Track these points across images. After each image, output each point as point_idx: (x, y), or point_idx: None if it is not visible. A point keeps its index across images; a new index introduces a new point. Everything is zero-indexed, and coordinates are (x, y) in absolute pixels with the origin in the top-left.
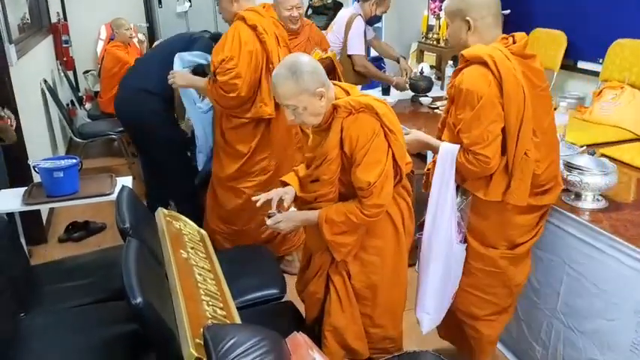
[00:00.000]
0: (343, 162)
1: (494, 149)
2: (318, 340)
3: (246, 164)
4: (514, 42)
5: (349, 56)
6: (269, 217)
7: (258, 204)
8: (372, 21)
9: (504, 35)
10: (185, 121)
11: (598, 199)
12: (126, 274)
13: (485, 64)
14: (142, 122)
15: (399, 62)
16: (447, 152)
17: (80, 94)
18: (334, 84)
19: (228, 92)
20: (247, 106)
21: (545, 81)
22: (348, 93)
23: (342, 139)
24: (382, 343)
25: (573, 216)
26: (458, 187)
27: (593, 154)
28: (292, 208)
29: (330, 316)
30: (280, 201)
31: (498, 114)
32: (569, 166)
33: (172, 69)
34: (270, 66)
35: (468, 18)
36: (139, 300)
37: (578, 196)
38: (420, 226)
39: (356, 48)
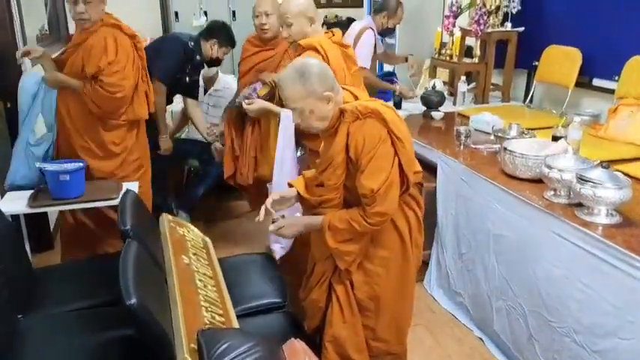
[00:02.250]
0: (349, 168)
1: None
2: (318, 350)
3: (122, 164)
4: (333, 35)
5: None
6: (273, 222)
7: (260, 219)
8: (384, 33)
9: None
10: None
11: (612, 214)
12: (122, 274)
13: (315, 49)
14: None
15: (407, 61)
16: (287, 117)
17: None
18: (344, 88)
19: (114, 93)
20: (124, 108)
21: (357, 64)
22: (357, 97)
23: (348, 145)
24: (384, 359)
25: (586, 230)
26: (297, 143)
27: (607, 167)
28: (297, 214)
29: (332, 327)
30: (280, 200)
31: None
32: (582, 179)
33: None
34: (144, 71)
35: (310, 15)
36: (133, 300)
37: (591, 210)
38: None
39: (361, 60)
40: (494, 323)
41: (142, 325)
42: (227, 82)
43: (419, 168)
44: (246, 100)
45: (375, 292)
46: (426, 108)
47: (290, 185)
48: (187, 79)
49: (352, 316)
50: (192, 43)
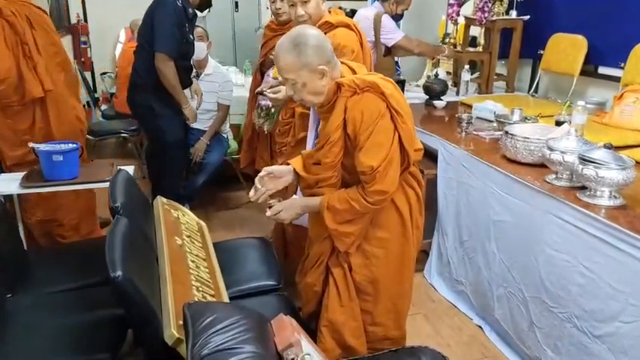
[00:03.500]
0: (347, 145)
1: None
2: (313, 335)
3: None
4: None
5: (388, 52)
6: (269, 207)
7: (250, 196)
8: (393, 19)
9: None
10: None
11: (615, 197)
12: (109, 248)
13: (349, 26)
14: (135, 115)
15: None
16: None
17: (96, 96)
18: (342, 62)
19: None
20: (13, 92)
21: None
22: (354, 72)
23: (346, 120)
24: (381, 344)
25: (589, 212)
26: None
27: (610, 147)
28: (294, 196)
29: (328, 311)
30: (268, 174)
31: None
32: (584, 160)
33: (147, 52)
34: (26, 46)
35: None
36: (118, 273)
37: (593, 192)
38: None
39: (397, 37)
40: (495, 311)
41: (127, 300)
42: (216, 65)
43: (420, 145)
44: (269, 90)
45: (374, 274)
46: (428, 97)
47: (287, 163)
48: (192, 37)
49: (350, 301)
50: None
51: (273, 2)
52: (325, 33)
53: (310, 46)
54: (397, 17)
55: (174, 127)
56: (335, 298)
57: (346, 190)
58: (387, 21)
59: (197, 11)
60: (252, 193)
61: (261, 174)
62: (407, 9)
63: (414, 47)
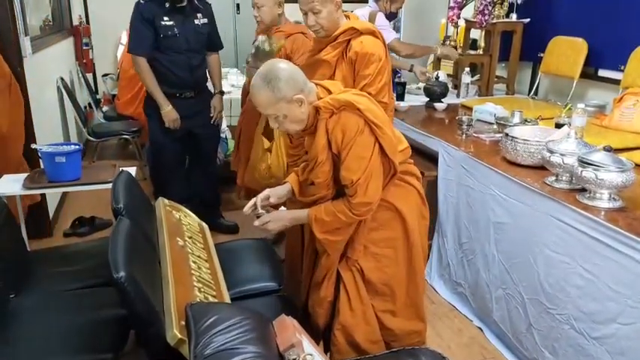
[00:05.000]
0: (335, 162)
1: None
2: (319, 337)
3: None
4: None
5: None
6: (257, 217)
7: (245, 210)
8: (388, 18)
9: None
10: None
11: (614, 199)
12: (112, 249)
13: (374, 34)
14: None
15: (411, 71)
16: None
17: (98, 97)
18: (316, 84)
19: None
20: None
21: None
22: (330, 91)
23: (330, 141)
24: (409, 339)
25: (588, 214)
26: None
27: (609, 150)
28: (282, 208)
29: (340, 315)
30: (267, 198)
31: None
32: (584, 162)
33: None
34: None
35: (337, 0)
36: (121, 274)
37: (593, 194)
38: None
39: (389, 37)
40: (494, 313)
41: (130, 300)
42: None
43: (405, 144)
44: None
45: (387, 275)
46: (429, 99)
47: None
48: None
49: (361, 305)
50: None
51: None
52: (351, 39)
53: (282, 79)
54: (392, 16)
55: (154, 128)
56: (345, 303)
57: (333, 203)
58: (381, 19)
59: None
60: (247, 209)
61: (264, 195)
62: (400, 7)
63: (402, 49)
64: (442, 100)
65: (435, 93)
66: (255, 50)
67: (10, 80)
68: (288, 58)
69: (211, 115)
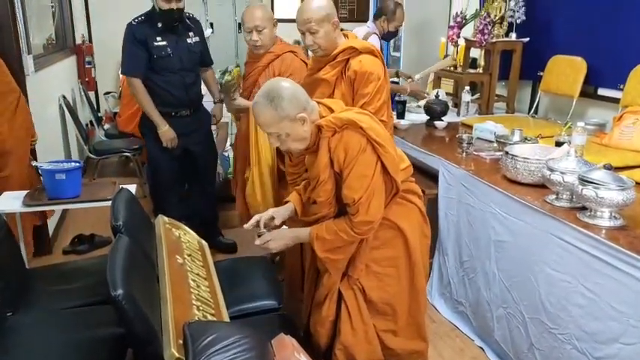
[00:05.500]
0: (337, 180)
1: None
2: (319, 357)
3: None
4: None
5: None
6: (259, 236)
7: (246, 226)
8: (387, 37)
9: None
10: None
11: (615, 217)
12: (110, 267)
13: (373, 53)
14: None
15: (409, 94)
16: None
17: (100, 115)
18: (318, 102)
19: None
20: None
21: None
22: (331, 110)
23: (332, 159)
24: (411, 359)
25: (589, 233)
26: None
27: (609, 168)
28: (284, 227)
29: (341, 334)
30: (271, 219)
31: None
32: (584, 180)
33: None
34: None
35: (334, 20)
36: (119, 292)
37: (593, 212)
38: None
39: None
40: (495, 332)
41: (128, 318)
42: None
43: (407, 162)
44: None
45: (389, 294)
46: (429, 117)
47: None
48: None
49: (362, 324)
50: (141, 17)
51: (248, 32)
52: (350, 58)
53: (285, 97)
54: (391, 35)
55: (152, 147)
56: (347, 322)
57: (334, 222)
58: (373, 41)
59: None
60: (248, 225)
61: (269, 216)
62: (400, 26)
63: None
64: (442, 118)
65: (435, 111)
66: (221, 87)
67: (19, 96)
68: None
69: (213, 123)
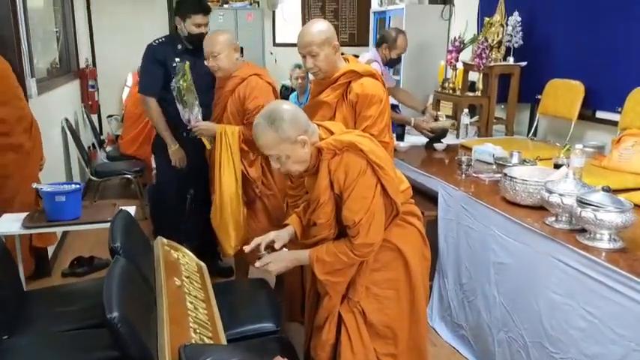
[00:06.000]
0: (337, 202)
1: None
2: None
3: None
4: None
5: None
6: (259, 258)
7: (247, 250)
8: (390, 64)
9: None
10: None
11: (615, 239)
12: (106, 288)
13: (374, 76)
14: None
15: (424, 113)
16: None
17: (102, 138)
18: (318, 125)
19: None
20: None
21: None
22: (331, 132)
23: (332, 181)
24: None
25: (589, 255)
26: None
27: (608, 190)
28: (284, 249)
29: (341, 358)
30: (272, 242)
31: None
32: (582, 202)
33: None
34: None
35: (335, 43)
36: (114, 314)
37: (593, 235)
38: None
39: None
40: (496, 356)
41: (123, 341)
42: None
43: (407, 184)
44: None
45: (389, 317)
46: (428, 140)
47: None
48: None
49: (363, 348)
50: (162, 38)
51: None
52: (352, 81)
53: (286, 120)
54: (393, 62)
55: (161, 165)
56: (347, 345)
57: (334, 244)
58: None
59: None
60: (249, 249)
61: (270, 239)
62: (402, 52)
63: None
64: (442, 140)
65: (434, 133)
66: (177, 93)
67: (32, 121)
68: (242, 101)
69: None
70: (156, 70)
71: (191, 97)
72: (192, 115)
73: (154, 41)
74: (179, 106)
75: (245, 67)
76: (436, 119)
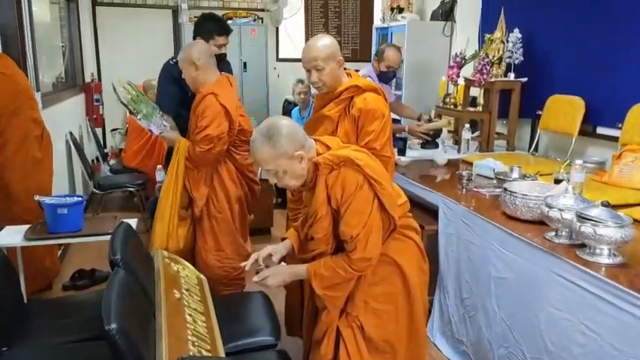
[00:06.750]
0: (335, 217)
1: None
2: None
3: None
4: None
5: None
6: (257, 272)
7: (247, 268)
8: (384, 78)
9: None
10: None
11: (614, 254)
12: (105, 300)
13: (376, 91)
14: None
15: (419, 120)
16: None
17: (106, 151)
18: (315, 139)
19: None
20: None
21: None
22: (329, 147)
23: (329, 196)
24: None
25: (589, 270)
26: None
27: (607, 205)
28: (282, 263)
29: None
30: (269, 257)
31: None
32: (582, 217)
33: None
34: None
35: (339, 58)
36: (112, 325)
37: (593, 250)
38: None
39: None
40: None
41: (121, 353)
42: None
43: (404, 198)
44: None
45: (388, 331)
46: (422, 142)
47: (284, 239)
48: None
49: None
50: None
51: None
52: (354, 96)
53: (283, 135)
54: (384, 75)
55: None
56: None
57: (332, 258)
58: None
59: None
60: (248, 265)
61: (267, 253)
62: (392, 66)
63: None
64: (436, 140)
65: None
66: (127, 109)
67: (43, 129)
68: (196, 118)
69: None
70: (172, 89)
71: (143, 107)
72: (152, 125)
73: (171, 60)
74: (139, 122)
75: (212, 86)
76: (429, 120)
